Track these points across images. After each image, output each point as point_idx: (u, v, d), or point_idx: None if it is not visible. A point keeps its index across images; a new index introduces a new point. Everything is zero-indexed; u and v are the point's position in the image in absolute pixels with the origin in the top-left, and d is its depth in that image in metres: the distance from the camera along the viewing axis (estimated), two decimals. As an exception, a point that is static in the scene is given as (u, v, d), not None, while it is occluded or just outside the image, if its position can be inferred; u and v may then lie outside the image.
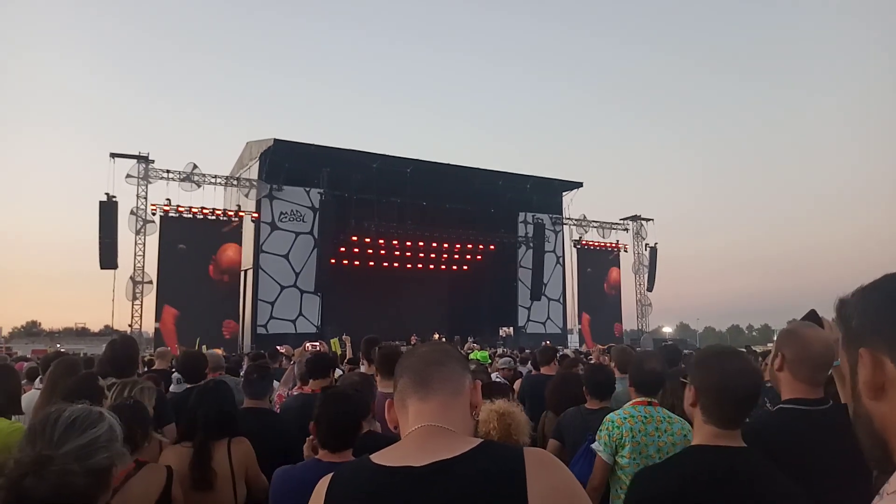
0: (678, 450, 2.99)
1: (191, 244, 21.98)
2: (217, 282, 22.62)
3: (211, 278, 22.42)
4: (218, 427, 2.82)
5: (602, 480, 2.96)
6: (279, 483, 2.37)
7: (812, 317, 2.12)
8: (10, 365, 4.27)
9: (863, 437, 0.82)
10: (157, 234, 21.62)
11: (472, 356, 7.51)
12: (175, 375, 5.47)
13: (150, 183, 21.61)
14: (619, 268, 31.51)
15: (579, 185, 29.44)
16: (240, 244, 22.96)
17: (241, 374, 5.50)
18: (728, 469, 1.61)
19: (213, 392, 2.99)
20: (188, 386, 4.53)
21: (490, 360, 8.71)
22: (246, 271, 23.13)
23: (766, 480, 1.60)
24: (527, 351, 12.33)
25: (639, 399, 3.12)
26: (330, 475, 1.25)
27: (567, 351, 13.19)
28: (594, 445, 2.98)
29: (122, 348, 3.92)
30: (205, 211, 22.11)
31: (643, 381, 3.19)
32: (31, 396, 4.13)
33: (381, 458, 1.20)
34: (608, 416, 3.04)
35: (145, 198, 21.52)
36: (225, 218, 22.54)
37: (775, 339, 2.09)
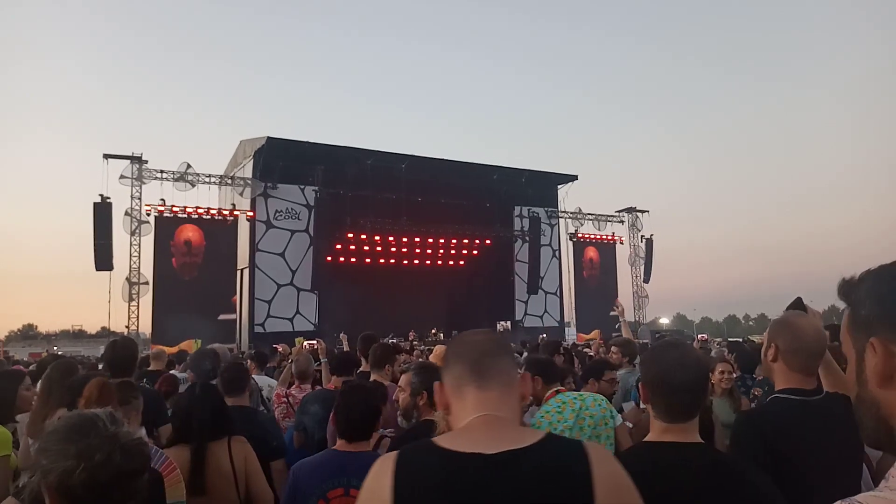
0: (606, 421, 3.06)
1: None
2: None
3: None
4: (214, 428, 2.81)
5: None
6: (298, 471, 2.45)
7: (798, 305, 2.14)
8: (10, 371, 4.26)
9: (866, 419, 0.83)
10: (152, 234, 21.55)
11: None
12: (182, 375, 5.45)
13: (144, 183, 21.48)
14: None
15: (574, 178, 29.43)
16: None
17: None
18: (670, 465, 1.55)
19: (204, 393, 2.97)
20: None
21: None
22: (242, 270, 23.07)
23: (718, 477, 1.53)
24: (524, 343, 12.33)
25: (549, 391, 3.25)
26: (391, 455, 1.25)
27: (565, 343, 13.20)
28: None
29: (122, 350, 3.94)
30: (199, 211, 22.04)
31: (546, 371, 3.37)
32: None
33: (448, 442, 1.23)
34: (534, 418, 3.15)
35: (139, 198, 21.40)
36: (220, 217, 22.45)
37: (767, 329, 2.09)
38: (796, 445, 1.85)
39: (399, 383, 2.67)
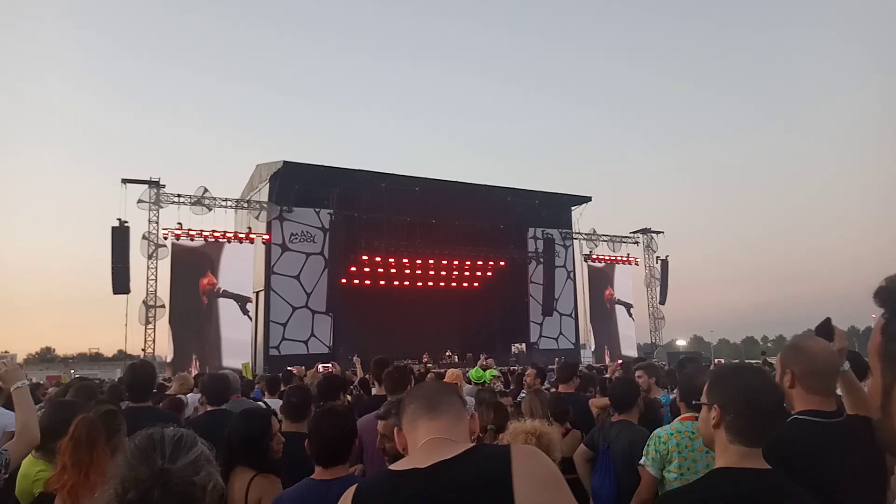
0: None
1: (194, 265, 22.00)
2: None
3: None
4: (238, 454, 2.72)
5: (650, 493, 3.00)
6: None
7: (826, 326, 2.12)
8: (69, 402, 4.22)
9: (889, 444, 0.81)
10: (168, 258, 21.78)
11: (471, 374, 7.63)
12: (190, 398, 5.46)
13: (162, 207, 21.79)
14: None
15: (588, 199, 29.39)
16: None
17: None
18: (750, 493, 1.52)
19: (240, 417, 2.93)
20: (209, 409, 4.35)
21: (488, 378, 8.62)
22: (258, 293, 23.19)
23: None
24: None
25: (687, 414, 3.09)
26: (354, 486, 1.43)
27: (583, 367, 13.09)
28: (641, 461, 3.04)
29: (142, 374, 3.98)
30: (216, 234, 22.25)
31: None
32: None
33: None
34: (655, 432, 3.08)
35: (157, 222, 21.70)
36: (236, 241, 22.65)
37: (779, 356, 2.08)
38: (819, 467, 1.83)
39: (380, 430, 2.56)
